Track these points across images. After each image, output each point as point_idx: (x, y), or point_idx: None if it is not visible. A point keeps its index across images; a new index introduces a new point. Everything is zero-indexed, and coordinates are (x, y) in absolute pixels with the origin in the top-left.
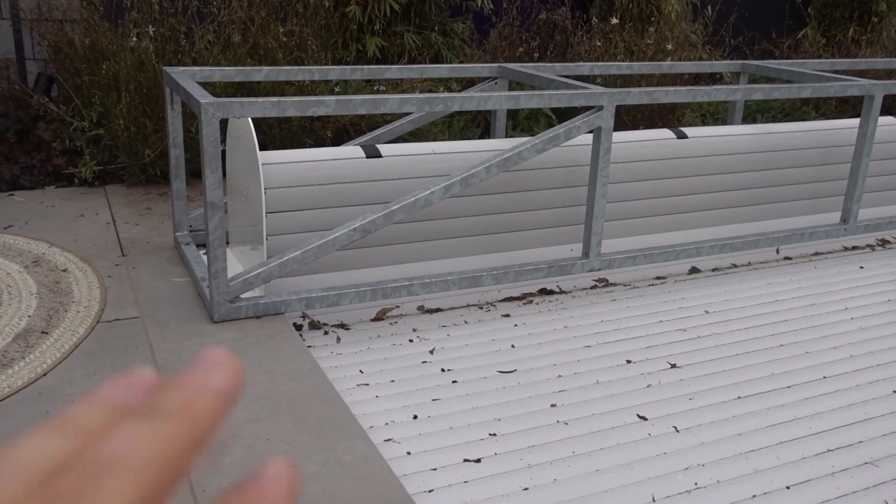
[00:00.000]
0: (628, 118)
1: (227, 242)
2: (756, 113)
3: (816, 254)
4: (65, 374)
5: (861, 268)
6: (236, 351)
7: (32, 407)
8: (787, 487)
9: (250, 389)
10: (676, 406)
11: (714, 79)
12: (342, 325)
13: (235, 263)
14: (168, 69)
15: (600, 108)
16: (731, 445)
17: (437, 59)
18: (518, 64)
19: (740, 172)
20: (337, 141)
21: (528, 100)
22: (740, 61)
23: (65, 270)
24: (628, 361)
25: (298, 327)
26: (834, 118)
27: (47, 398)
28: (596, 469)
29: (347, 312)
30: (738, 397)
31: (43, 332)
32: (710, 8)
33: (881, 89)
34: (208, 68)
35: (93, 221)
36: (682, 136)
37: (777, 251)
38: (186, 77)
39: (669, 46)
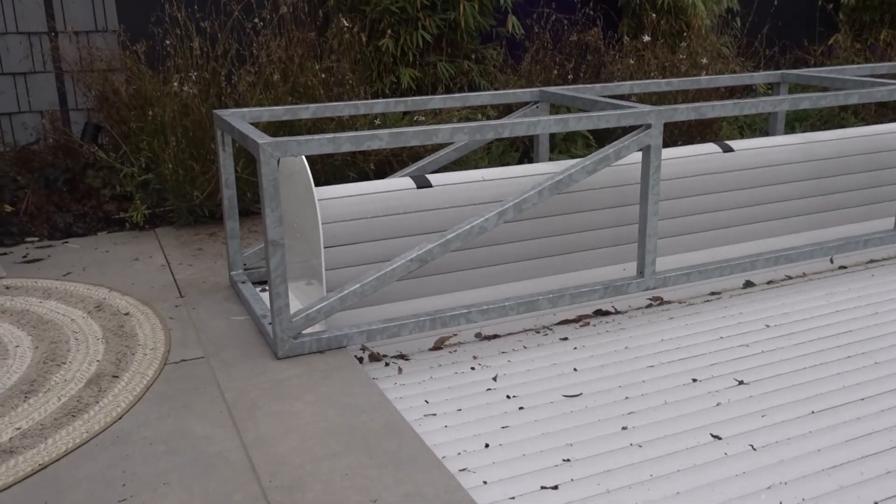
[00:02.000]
0: (666, 134)
1: None
2: (794, 122)
3: (872, 261)
4: (139, 416)
5: None
6: (303, 386)
7: (112, 451)
8: (876, 503)
9: (322, 424)
10: (749, 423)
11: (750, 90)
12: (402, 356)
13: (293, 299)
14: (218, 112)
15: (648, 126)
16: (811, 462)
17: (471, 87)
18: (558, 87)
19: (789, 183)
20: (379, 173)
21: (577, 122)
22: (779, 71)
23: (127, 314)
24: (694, 380)
25: (360, 360)
26: (874, 123)
27: (125, 441)
28: (676, 492)
29: (406, 343)
30: (812, 412)
31: (114, 376)
32: (738, 20)
33: None
34: (257, 109)
35: (147, 264)
36: (728, 149)
37: (831, 260)
38: (239, 119)
39: (704, 60)
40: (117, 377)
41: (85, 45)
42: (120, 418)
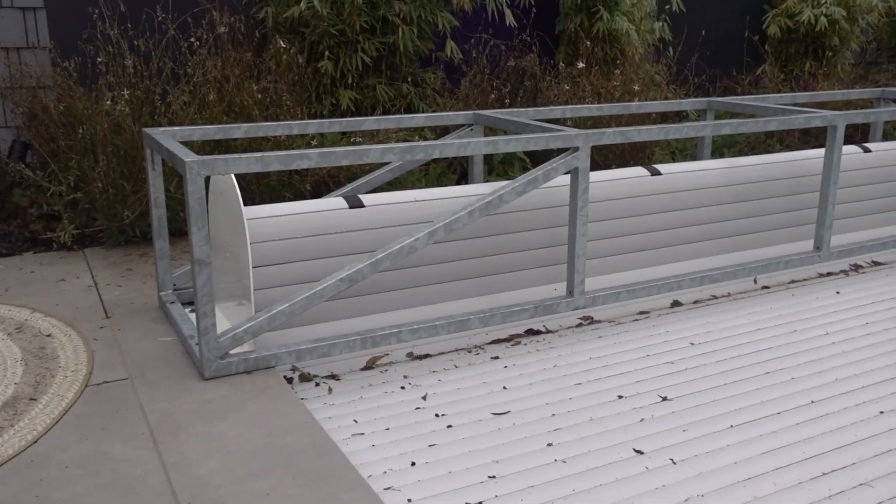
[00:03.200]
0: (600, 158)
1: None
2: (723, 148)
3: (793, 281)
4: (56, 440)
5: (837, 293)
6: (229, 407)
7: (26, 475)
8: None
9: (246, 445)
10: (671, 438)
11: (680, 117)
12: (333, 376)
13: (222, 320)
14: (148, 130)
15: (576, 149)
16: (728, 474)
17: (409, 109)
18: (492, 111)
19: (714, 206)
20: (316, 194)
21: (506, 144)
22: (706, 99)
23: (49, 335)
24: (620, 397)
25: (289, 380)
26: (798, 150)
27: (40, 465)
28: None
29: (337, 363)
30: (731, 426)
31: (31, 399)
32: (671, 49)
33: (843, 119)
34: (188, 128)
35: (74, 285)
36: (655, 172)
37: (755, 281)
38: (168, 137)
39: (636, 87)
40: (35, 400)
41: (15, 62)
42: (35, 442)
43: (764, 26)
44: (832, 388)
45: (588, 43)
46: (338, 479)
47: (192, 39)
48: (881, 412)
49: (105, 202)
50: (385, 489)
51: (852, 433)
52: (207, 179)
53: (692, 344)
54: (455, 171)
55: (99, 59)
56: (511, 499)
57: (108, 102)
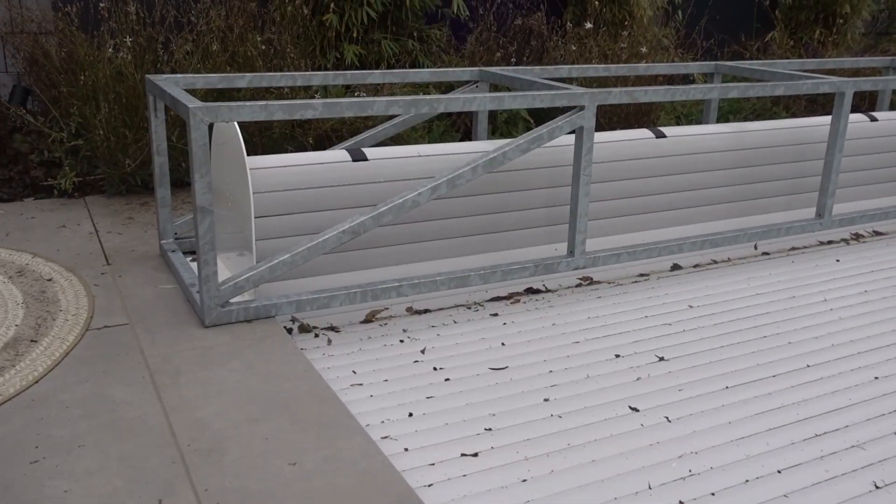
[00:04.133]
0: (605, 121)
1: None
2: (728, 114)
3: (793, 248)
4: (57, 381)
5: (837, 261)
6: (229, 354)
7: (26, 414)
8: (779, 472)
9: (245, 391)
10: (667, 397)
11: (687, 80)
12: (332, 328)
13: (224, 270)
14: (151, 77)
15: (582, 107)
16: (722, 433)
17: (414, 66)
18: (498, 68)
19: (718, 170)
20: (319, 147)
21: (512, 101)
22: (714, 62)
23: (50, 280)
24: (617, 356)
25: (289, 331)
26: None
27: (41, 404)
28: (592, 460)
29: (337, 315)
30: (727, 387)
31: (32, 341)
32: (680, 12)
33: (851, 86)
34: (191, 76)
35: (75, 232)
36: (660, 135)
37: (755, 247)
38: (171, 84)
39: (644, 49)
40: (36, 342)
41: (15, 6)
42: (36, 382)
43: None
44: (828, 353)
45: (596, 3)
46: (336, 426)
47: None
48: (875, 377)
49: (106, 150)
50: (382, 438)
51: (846, 397)
52: (211, 128)
53: (691, 307)
54: (458, 130)
55: (101, 5)
56: (506, 451)
57: (111, 50)
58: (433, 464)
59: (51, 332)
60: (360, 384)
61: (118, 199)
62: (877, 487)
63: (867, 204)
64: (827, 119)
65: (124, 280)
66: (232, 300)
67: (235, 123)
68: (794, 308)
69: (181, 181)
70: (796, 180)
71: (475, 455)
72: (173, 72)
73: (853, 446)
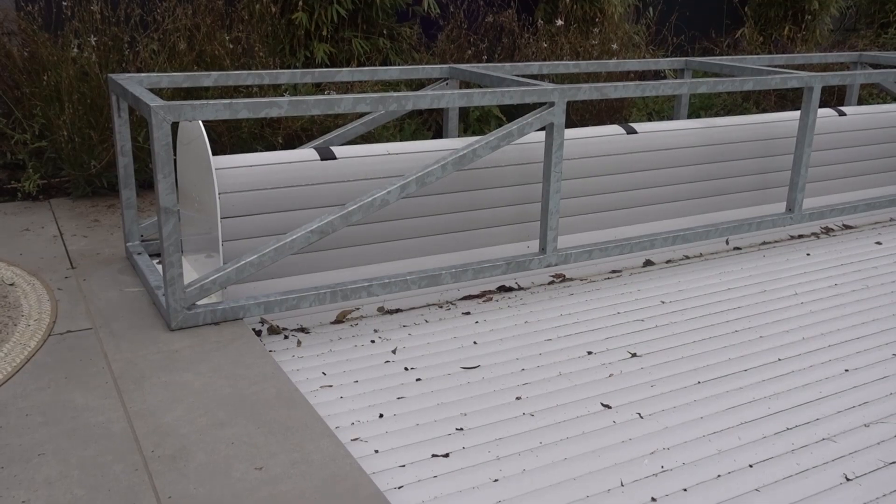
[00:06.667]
0: (577, 118)
1: (182, 251)
2: (700, 110)
3: (764, 243)
4: (17, 387)
5: (808, 255)
6: (195, 358)
7: None
8: (750, 466)
9: (211, 395)
10: (639, 393)
11: (658, 77)
12: (302, 329)
13: (191, 271)
14: (114, 76)
15: (552, 104)
16: (693, 429)
17: (385, 64)
18: (468, 64)
19: (689, 166)
20: (288, 147)
21: (481, 97)
22: (684, 58)
23: (12, 284)
24: (589, 353)
25: (258, 333)
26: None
27: (0, 413)
28: (564, 458)
29: (307, 316)
30: (698, 382)
31: None
32: (651, 9)
33: (819, 81)
34: (155, 74)
35: (39, 235)
36: (631, 131)
37: (727, 241)
38: (134, 83)
39: (615, 46)
40: None
41: None
42: None
43: None
44: (799, 346)
45: (567, 0)
46: (304, 429)
47: None
48: (846, 370)
49: (71, 151)
50: (352, 440)
51: (817, 390)
52: (175, 127)
53: (663, 302)
54: (430, 128)
55: (64, 3)
56: (478, 451)
57: (75, 49)
58: (404, 465)
59: (12, 338)
60: (330, 385)
61: (84, 201)
62: (847, 480)
63: (837, 198)
64: (796, 114)
65: (89, 284)
66: (199, 302)
67: (200, 122)
68: (765, 302)
69: (148, 182)
70: (766, 175)
71: (446, 456)
72: (139, 71)
73: (824, 439)
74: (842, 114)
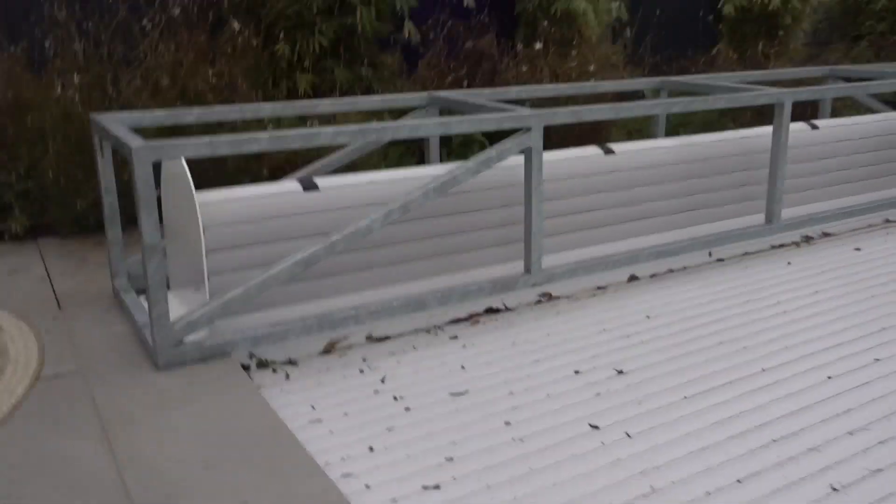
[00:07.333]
0: (558, 139)
1: (168, 286)
2: (678, 127)
3: (746, 254)
4: (5, 437)
5: (788, 263)
6: (183, 397)
7: None
8: (739, 481)
9: (200, 435)
10: (626, 412)
11: (637, 97)
12: (290, 362)
13: (178, 306)
14: (96, 116)
15: (529, 128)
16: (682, 446)
17: (367, 93)
18: (448, 91)
19: (668, 182)
20: (274, 178)
21: (458, 125)
22: (659, 78)
23: None
24: (576, 372)
25: (246, 367)
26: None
27: None
28: (553, 483)
29: (295, 348)
30: (685, 397)
31: None
32: (628, 29)
33: (790, 96)
34: (138, 113)
35: (26, 276)
36: (609, 151)
37: (710, 254)
38: (116, 123)
39: (592, 68)
40: None
41: None
42: None
43: (720, 6)
44: (782, 355)
45: (545, 24)
46: (293, 468)
47: (145, 22)
48: (829, 377)
49: (57, 191)
50: (343, 476)
51: (801, 399)
52: (158, 166)
53: (648, 317)
54: (414, 154)
55: (47, 44)
56: (468, 480)
57: (58, 89)
58: (395, 499)
59: None
60: (320, 420)
61: (71, 239)
62: (834, 490)
63: (815, 207)
64: (770, 129)
65: (76, 324)
66: (186, 339)
67: (182, 159)
68: (748, 312)
69: (134, 218)
70: (745, 188)
71: (437, 487)
72: (123, 108)
73: (809, 449)
74: (815, 127)
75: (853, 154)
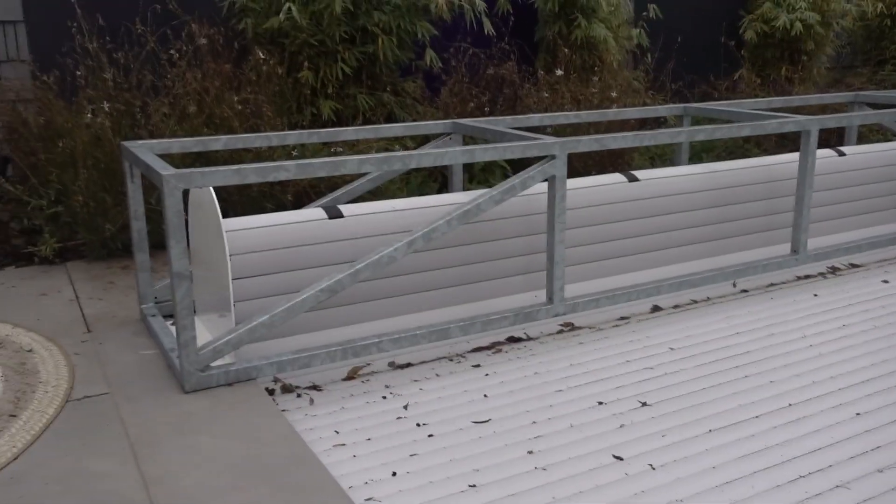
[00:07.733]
0: (580, 165)
1: (195, 311)
2: (701, 153)
3: (771, 285)
4: (36, 456)
5: (815, 295)
6: (210, 420)
7: (5, 492)
8: None
9: (226, 458)
10: (650, 444)
11: (659, 122)
12: (315, 387)
13: (204, 332)
14: (126, 144)
15: (553, 156)
16: (706, 479)
17: (390, 119)
18: (471, 119)
19: (692, 211)
20: (298, 204)
21: (483, 153)
22: (682, 105)
23: (30, 351)
24: (600, 403)
25: (271, 392)
26: (775, 153)
27: (20, 482)
28: None
29: (319, 374)
30: (710, 430)
31: (11, 416)
32: (649, 55)
33: (816, 124)
34: (166, 140)
35: (55, 299)
36: (633, 178)
37: (734, 285)
38: (146, 150)
39: (614, 94)
40: (15, 416)
41: None
42: (15, 458)
43: (741, 31)
44: (809, 390)
45: (566, 50)
46: (318, 491)
47: (172, 52)
48: (857, 414)
49: (86, 215)
50: (366, 500)
51: (829, 436)
52: (186, 192)
53: (671, 349)
54: (436, 180)
55: (78, 73)
56: None
57: (89, 116)
58: None
59: (30, 406)
60: (343, 444)
61: (99, 263)
62: None
63: (843, 237)
64: (796, 156)
65: (105, 347)
66: (212, 364)
67: (210, 187)
68: (773, 346)
69: (162, 242)
70: (770, 217)
71: None
72: (151, 135)
73: (837, 486)
74: (841, 154)
75: (881, 182)
